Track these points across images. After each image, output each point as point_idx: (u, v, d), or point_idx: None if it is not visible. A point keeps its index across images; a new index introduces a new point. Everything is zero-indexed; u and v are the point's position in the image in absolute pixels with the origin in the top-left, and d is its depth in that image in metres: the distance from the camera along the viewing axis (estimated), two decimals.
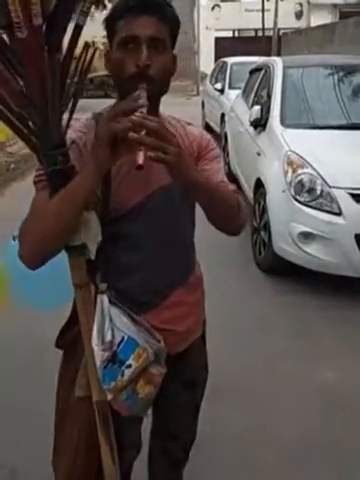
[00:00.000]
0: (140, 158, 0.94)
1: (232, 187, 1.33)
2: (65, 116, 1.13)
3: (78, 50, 1.13)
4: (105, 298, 1.24)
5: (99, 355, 1.20)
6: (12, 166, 7.75)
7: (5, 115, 1.09)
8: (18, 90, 1.06)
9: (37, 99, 1.05)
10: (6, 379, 2.62)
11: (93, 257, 1.20)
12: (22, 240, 1.15)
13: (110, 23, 1.17)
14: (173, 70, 1.23)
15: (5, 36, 1.04)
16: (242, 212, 1.31)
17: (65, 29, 1.07)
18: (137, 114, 0.98)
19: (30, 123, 1.09)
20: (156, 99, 1.20)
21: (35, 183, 1.19)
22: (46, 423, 1.49)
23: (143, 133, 0.97)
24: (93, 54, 1.15)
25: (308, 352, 2.97)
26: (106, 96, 9.27)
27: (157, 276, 1.30)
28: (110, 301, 1.24)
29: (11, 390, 2.56)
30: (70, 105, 1.13)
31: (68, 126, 1.15)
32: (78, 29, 1.08)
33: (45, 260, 1.17)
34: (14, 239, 1.50)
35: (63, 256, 1.20)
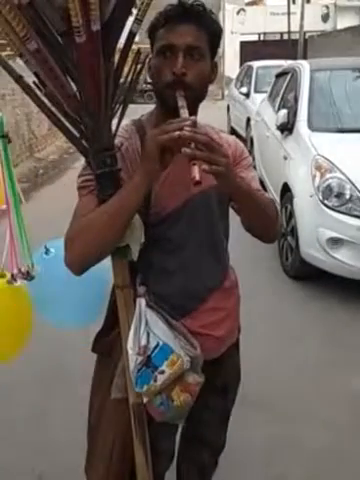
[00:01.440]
0: (196, 174, 0.96)
1: (269, 196, 1.35)
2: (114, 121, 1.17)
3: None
4: (143, 301, 1.25)
5: (133, 359, 1.21)
6: (40, 171, 7.89)
7: (58, 119, 1.14)
8: (72, 94, 1.10)
9: (91, 103, 1.09)
10: (30, 383, 2.65)
11: (136, 259, 1.23)
12: (69, 247, 1.17)
13: (152, 32, 1.21)
14: (212, 77, 1.25)
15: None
16: (279, 220, 1.35)
17: (120, 36, 1.11)
18: (187, 128, 1.00)
19: (82, 126, 1.13)
20: (194, 106, 1.21)
21: (80, 188, 1.22)
22: (73, 426, 1.49)
23: (192, 146, 0.99)
24: (144, 61, 1.19)
25: (338, 359, 2.92)
26: (144, 103, 9.45)
27: (195, 280, 1.31)
28: (148, 305, 1.25)
29: (36, 393, 2.58)
30: (120, 110, 1.16)
31: (117, 130, 1.19)
32: (131, 36, 1.12)
33: (91, 265, 1.20)
34: (47, 252, 1.50)
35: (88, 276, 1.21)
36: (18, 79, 1.12)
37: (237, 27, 23.59)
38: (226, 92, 15.49)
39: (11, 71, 1.12)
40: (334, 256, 3.41)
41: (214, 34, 1.21)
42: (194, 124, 1.03)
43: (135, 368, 1.22)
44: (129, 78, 1.17)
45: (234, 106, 10.11)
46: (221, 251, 1.39)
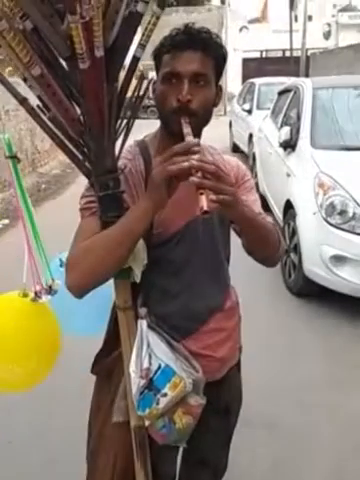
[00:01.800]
0: (204, 203, 0.97)
1: (270, 220, 1.35)
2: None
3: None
4: (144, 323, 1.24)
5: (136, 382, 1.20)
6: (43, 186, 7.91)
7: (62, 141, 1.15)
8: (76, 118, 1.11)
9: (94, 127, 1.10)
10: (28, 403, 2.63)
11: (138, 280, 1.22)
12: (71, 270, 1.16)
13: (157, 57, 1.21)
14: (217, 102, 1.25)
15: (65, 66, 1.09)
16: (281, 246, 1.34)
17: (123, 61, 1.11)
18: (195, 157, 1.01)
19: (85, 149, 1.13)
20: (198, 130, 1.22)
21: (82, 210, 1.21)
22: (73, 446, 1.47)
23: (199, 175, 1.00)
24: (148, 85, 1.19)
25: (342, 378, 2.89)
26: (147, 118, 9.50)
27: (196, 301, 1.31)
28: (149, 326, 1.25)
29: (34, 413, 2.56)
30: (123, 132, 1.17)
31: (120, 153, 1.19)
32: (135, 61, 1.13)
33: (92, 289, 1.19)
34: (62, 265, 1.50)
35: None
36: (22, 102, 1.13)
37: (240, 44, 23.84)
38: (228, 108, 15.61)
39: (16, 94, 1.13)
40: (337, 274, 3.39)
41: (220, 59, 1.21)
42: (198, 144, 1.03)
43: (137, 391, 1.21)
44: (132, 101, 1.18)
45: (236, 122, 10.18)
46: (222, 272, 1.39)
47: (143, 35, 1.10)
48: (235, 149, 10.22)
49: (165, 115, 1.19)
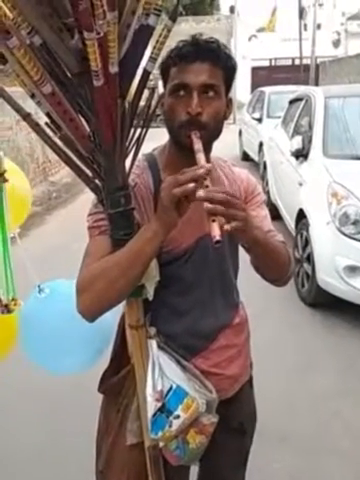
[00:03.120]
0: (216, 233, 0.94)
1: (280, 238, 1.32)
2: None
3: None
4: (154, 343, 1.22)
5: (152, 405, 1.17)
6: (54, 195, 7.95)
7: (69, 158, 1.12)
8: (86, 135, 1.08)
9: (105, 143, 1.07)
10: (34, 420, 2.61)
11: (151, 298, 1.20)
12: (82, 294, 1.12)
13: (164, 69, 1.17)
14: (227, 114, 1.22)
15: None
16: (291, 265, 1.31)
17: (134, 74, 1.08)
18: (201, 192, 0.97)
19: (95, 166, 1.11)
20: (209, 144, 1.19)
21: (91, 228, 1.18)
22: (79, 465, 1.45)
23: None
24: (159, 99, 1.17)
25: (356, 389, 2.85)
26: (156, 127, 9.50)
27: (205, 319, 1.28)
28: (158, 346, 1.22)
29: (40, 431, 2.54)
30: (134, 149, 1.14)
31: (131, 168, 1.16)
32: (146, 74, 1.09)
33: (105, 312, 1.16)
34: (40, 292, 1.44)
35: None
36: (26, 117, 1.10)
37: (249, 53, 23.92)
38: (238, 116, 15.63)
39: (19, 109, 1.10)
40: (351, 284, 3.36)
41: (229, 70, 1.17)
42: (208, 172, 1.00)
43: (151, 414, 1.18)
44: (143, 115, 1.14)
45: (246, 131, 10.18)
46: (231, 288, 1.37)
47: (154, 48, 1.06)
48: (245, 158, 10.22)
49: (174, 129, 1.15)
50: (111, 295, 1.12)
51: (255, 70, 23.94)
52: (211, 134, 1.16)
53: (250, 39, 24.85)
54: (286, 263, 1.28)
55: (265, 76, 22.13)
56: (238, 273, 1.39)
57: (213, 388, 1.25)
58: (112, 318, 1.45)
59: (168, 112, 1.16)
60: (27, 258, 1.60)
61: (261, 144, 8.13)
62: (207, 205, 0.96)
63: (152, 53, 1.07)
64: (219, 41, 1.17)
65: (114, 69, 1.00)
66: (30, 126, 1.11)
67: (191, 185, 0.98)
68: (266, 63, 24.85)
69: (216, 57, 1.13)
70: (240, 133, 11.06)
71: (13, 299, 1.45)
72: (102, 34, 0.95)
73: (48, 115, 1.09)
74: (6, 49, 0.99)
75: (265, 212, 1.34)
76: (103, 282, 1.09)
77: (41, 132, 1.11)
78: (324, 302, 3.74)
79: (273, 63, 25.18)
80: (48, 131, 1.12)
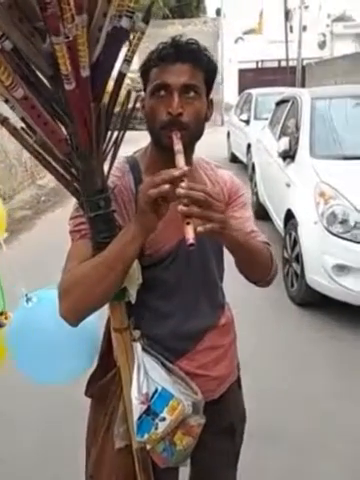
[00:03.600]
0: (190, 235, 0.92)
1: (263, 238, 1.32)
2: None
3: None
4: (139, 346, 1.22)
5: (138, 408, 1.17)
6: (42, 198, 7.92)
7: (48, 162, 1.10)
8: (63, 138, 1.06)
9: (82, 146, 1.06)
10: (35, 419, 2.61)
11: (133, 301, 1.19)
12: (64, 298, 1.11)
13: (145, 72, 1.17)
14: (209, 115, 1.21)
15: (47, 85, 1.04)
16: (274, 265, 1.30)
17: (109, 77, 1.07)
18: (183, 185, 0.96)
19: (73, 170, 1.09)
20: (191, 145, 1.19)
21: (72, 232, 1.17)
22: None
23: (186, 201, 0.96)
24: (135, 101, 1.16)
25: (347, 390, 2.88)
26: (133, 129, 9.47)
27: (190, 321, 1.28)
28: (143, 349, 1.22)
29: (40, 429, 2.54)
30: (112, 151, 1.13)
31: (109, 171, 1.14)
32: (121, 76, 1.07)
33: (88, 316, 1.15)
34: (27, 301, 1.41)
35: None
36: (3, 122, 1.08)
37: (235, 55, 24.01)
38: (226, 118, 15.69)
39: None
40: (340, 283, 3.39)
41: (209, 72, 1.17)
42: (184, 174, 0.98)
43: (137, 417, 1.19)
44: (121, 117, 1.13)
45: (234, 132, 10.23)
46: (216, 289, 1.36)
47: (128, 51, 1.05)
48: (233, 159, 10.26)
49: (155, 130, 1.15)
50: (92, 299, 1.11)
51: (242, 72, 24.04)
52: (192, 135, 1.15)
53: (237, 41, 24.93)
54: (268, 264, 1.28)
55: (252, 78, 22.22)
56: (224, 273, 1.39)
57: (198, 390, 1.25)
58: (97, 334, 1.45)
59: (149, 113, 1.15)
60: (16, 267, 1.58)
61: (249, 146, 8.18)
62: (181, 207, 0.95)
63: (126, 55, 1.06)
64: (199, 43, 1.16)
65: (86, 73, 0.98)
66: (8, 130, 1.09)
67: (166, 186, 0.96)
68: (253, 65, 24.96)
69: (197, 58, 1.14)
70: (228, 135, 11.11)
71: (2, 313, 1.40)
72: (71, 38, 0.93)
73: (23, 120, 1.07)
74: None
75: (249, 213, 1.34)
76: (83, 286, 1.08)
77: (19, 136, 1.09)
78: (313, 301, 3.77)
79: (260, 65, 25.31)
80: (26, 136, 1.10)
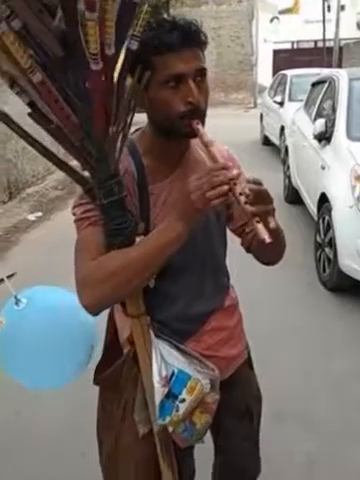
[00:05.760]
0: (266, 234, 0.93)
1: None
2: None
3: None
4: (151, 331, 1.22)
5: (160, 391, 1.18)
6: None
7: (48, 151, 1.07)
8: (77, 123, 1.01)
9: (98, 130, 1.01)
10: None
11: (152, 285, 1.19)
12: (89, 288, 1.09)
13: (143, 58, 1.05)
14: None
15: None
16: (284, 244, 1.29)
17: (119, 55, 1.01)
18: (243, 184, 0.96)
19: (87, 156, 1.05)
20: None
21: (79, 220, 1.14)
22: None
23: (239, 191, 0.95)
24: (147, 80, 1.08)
25: None
26: None
27: (196, 303, 1.28)
28: (155, 334, 1.23)
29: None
30: (122, 133, 1.08)
31: (120, 155, 1.09)
32: (129, 53, 1.01)
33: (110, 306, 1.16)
34: (17, 303, 1.34)
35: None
36: None
37: (270, 35, 23.48)
38: (259, 100, 15.44)
39: None
40: None
41: (205, 47, 1.12)
42: (240, 173, 0.97)
43: (159, 400, 1.19)
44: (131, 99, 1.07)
45: (268, 114, 10.05)
46: (221, 270, 1.36)
47: (136, 25, 0.98)
48: (266, 142, 10.11)
49: (170, 121, 1.09)
50: (124, 292, 1.13)
51: (277, 53, 23.50)
52: (204, 119, 1.11)
53: (272, 21, 24.35)
54: (284, 244, 1.27)
55: (287, 59, 21.67)
56: (226, 254, 1.38)
57: (214, 366, 1.26)
58: (95, 329, 1.43)
59: (161, 104, 1.09)
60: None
61: (282, 128, 8.03)
62: (250, 208, 0.95)
63: (135, 30, 0.99)
64: (196, 20, 1.10)
65: (111, 51, 0.94)
66: (3, 122, 1.03)
67: (226, 187, 0.95)
68: (288, 46, 24.38)
69: (200, 40, 1.09)
70: (261, 117, 10.93)
71: None
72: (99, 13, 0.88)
73: (30, 105, 1.01)
74: None
75: None
76: (118, 280, 1.07)
77: (12, 124, 1.04)
78: (345, 286, 3.70)
79: (295, 46, 24.70)
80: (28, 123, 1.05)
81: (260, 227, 0.93)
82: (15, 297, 1.36)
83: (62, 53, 0.94)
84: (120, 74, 1.02)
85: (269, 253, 1.27)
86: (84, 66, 0.94)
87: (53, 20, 0.92)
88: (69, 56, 0.94)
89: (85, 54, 0.93)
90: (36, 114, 1.02)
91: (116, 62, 1.00)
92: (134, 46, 1.00)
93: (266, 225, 0.97)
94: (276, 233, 1.09)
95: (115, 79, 1.01)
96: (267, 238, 0.91)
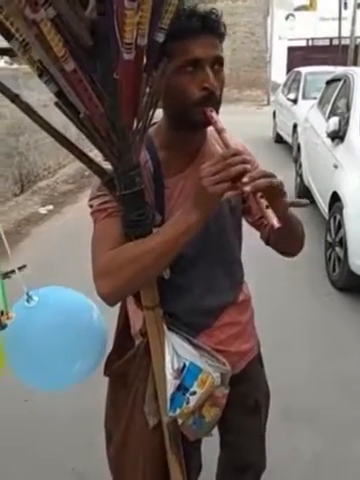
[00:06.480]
0: (275, 219, 0.92)
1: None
2: None
3: None
4: (163, 324, 1.22)
5: (172, 383, 1.19)
6: (86, 173, 8.01)
7: (67, 140, 1.10)
8: (104, 113, 1.02)
9: (124, 121, 1.02)
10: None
11: (167, 276, 1.20)
12: (107, 277, 1.09)
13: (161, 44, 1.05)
14: None
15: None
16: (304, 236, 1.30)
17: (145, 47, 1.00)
18: (261, 180, 0.96)
19: (111, 146, 1.05)
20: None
21: (96, 212, 1.15)
22: None
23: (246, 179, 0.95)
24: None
25: None
26: None
27: (209, 296, 1.28)
28: (167, 326, 1.23)
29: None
30: (143, 124, 1.08)
31: (141, 147, 1.10)
32: (156, 46, 1.02)
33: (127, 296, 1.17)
34: (28, 300, 1.32)
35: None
36: (14, 98, 1.04)
37: (285, 32, 23.31)
38: (272, 98, 15.35)
39: (6, 90, 1.03)
40: None
41: (223, 39, 1.11)
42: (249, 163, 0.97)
43: (171, 392, 1.20)
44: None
45: (281, 112, 9.99)
46: (235, 264, 1.35)
47: (163, 18, 0.98)
48: (279, 140, 10.06)
49: (185, 107, 1.08)
50: (141, 282, 1.13)
51: (291, 50, 23.33)
52: (219, 108, 1.10)
53: (287, 18, 24.16)
54: (303, 236, 1.28)
55: (301, 56, 21.51)
56: (241, 248, 1.37)
57: (225, 361, 1.26)
58: (107, 334, 1.43)
59: (176, 90, 1.08)
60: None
61: (295, 126, 7.98)
62: (260, 200, 0.95)
63: (161, 23, 0.99)
64: (216, 9, 1.10)
65: (143, 41, 0.94)
66: (19, 107, 1.05)
67: (235, 170, 0.95)
68: (303, 43, 24.19)
69: (219, 28, 1.08)
70: (274, 115, 10.87)
71: (2, 312, 1.27)
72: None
73: (57, 95, 1.02)
74: (27, 22, 0.91)
75: None
76: (134, 268, 1.07)
77: (31, 112, 1.06)
78: (355, 286, 3.69)
79: (310, 43, 24.50)
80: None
81: (269, 212, 0.93)
82: (27, 293, 1.35)
83: (91, 42, 0.95)
84: (146, 66, 1.02)
85: (287, 243, 1.27)
86: (113, 56, 0.96)
87: (84, 10, 0.94)
88: (98, 46, 0.96)
89: (117, 44, 0.93)
90: (63, 103, 1.04)
91: (144, 54, 1.00)
92: (161, 38, 1.00)
93: (276, 211, 0.95)
94: (287, 219, 1.09)
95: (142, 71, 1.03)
96: (276, 223, 0.91)
